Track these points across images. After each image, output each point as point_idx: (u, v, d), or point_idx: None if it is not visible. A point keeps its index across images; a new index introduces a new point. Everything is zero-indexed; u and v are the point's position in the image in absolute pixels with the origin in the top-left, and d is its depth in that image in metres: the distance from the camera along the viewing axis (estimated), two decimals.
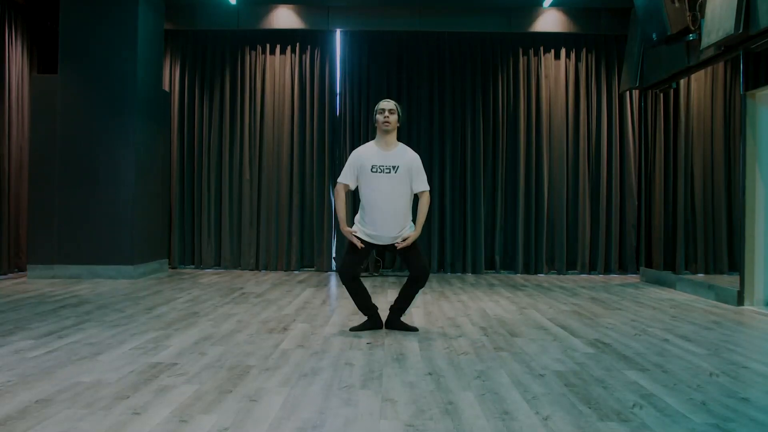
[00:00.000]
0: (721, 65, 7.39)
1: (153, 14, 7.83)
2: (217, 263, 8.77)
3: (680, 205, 7.22)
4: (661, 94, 7.58)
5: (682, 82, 7.19)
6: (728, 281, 6.52)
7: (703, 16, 5.85)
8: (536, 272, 8.63)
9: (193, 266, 8.82)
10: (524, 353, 3.74)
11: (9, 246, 7.51)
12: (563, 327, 4.63)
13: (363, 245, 4.31)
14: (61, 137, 7.32)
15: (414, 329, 4.42)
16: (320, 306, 5.54)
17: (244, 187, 8.75)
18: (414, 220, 4.40)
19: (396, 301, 4.47)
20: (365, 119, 8.70)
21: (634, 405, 2.76)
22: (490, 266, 8.77)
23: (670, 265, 7.34)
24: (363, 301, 4.40)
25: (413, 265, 4.37)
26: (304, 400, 2.77)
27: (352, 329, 4.39)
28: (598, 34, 8.73)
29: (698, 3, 5.89)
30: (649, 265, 7.85)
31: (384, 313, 4.55)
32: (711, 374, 3.30)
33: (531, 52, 8.84)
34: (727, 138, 7.73)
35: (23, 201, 7.74)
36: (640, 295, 6.56)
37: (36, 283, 6.78)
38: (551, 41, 8.81)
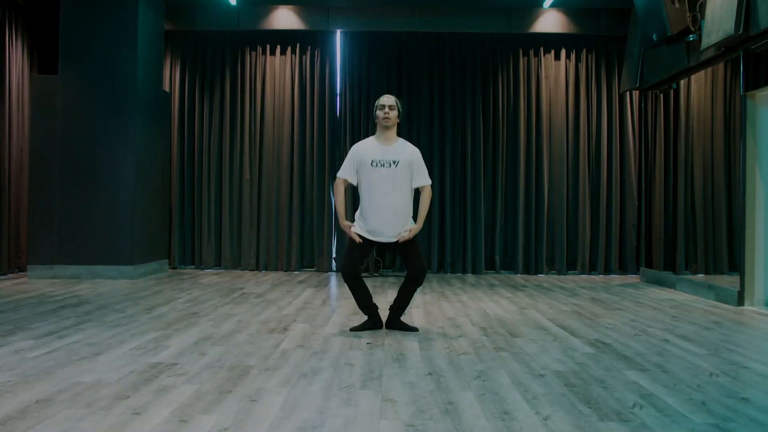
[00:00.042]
0: (721, 66, 7.40)
1: (153, 14, 7.83)
2: (218, 263, 8.77)
3: (680, 205, 7.22)
4: (661, 95, 7.58)
5: (682, 82, 7.19)
6: (728, 281, 6.52)
7: (703, 17, 5.85)
8: (536, 272, 8.63)
9: (193, 266, 8.82)
10: (524, 353, 3.74)
11: (9, 246, 7.51)
12: (563, 327, 4.63)
13: (362, 240, 4.29)
14: (61, 137, 7.32)
15: (414, 329, 4.42)
16: (320, 306, 5.54)
17: (244, 187, 8.75)
18: (415, 217, 4.37)
19: (395, 301, 4.47)
20: (365, 119, 8.70)
21: (634, 405, 2.76)
22: (490, 266, 8.77)
23: (670, 265, 7.34)
24: (364, 300, 4.40)
25: (411, 263, 4.36)
26: (304, 400, 2.77)
27: (352, 329, 4.39)
28: (598, 34, 8.74)
29: (698, 3, 5.89)
30: (649, 265, 7.85)
31: (384, 314, 4.55)
32: (711, 374, 3.30)
33: (531, 52, 8.84)
34: (727, 138, 7.73)
35: (23, 201, 7.74)
36: (640, 295, 6.56)
37: (36, 283, 6.78)
38: (551, 42, 8.81)
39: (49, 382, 2.99)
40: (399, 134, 4.51)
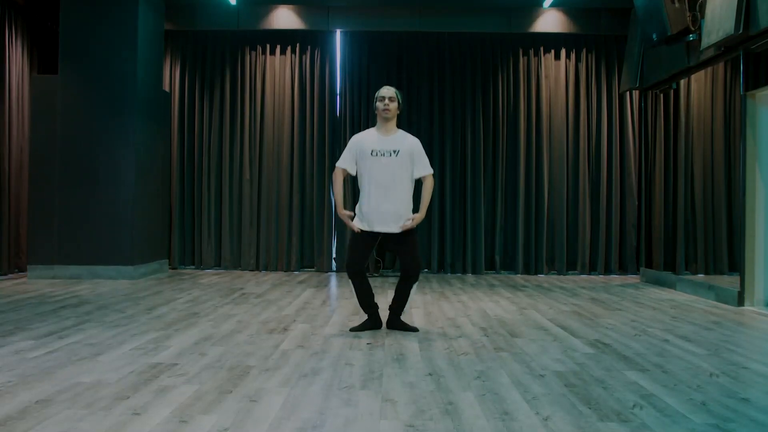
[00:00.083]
0: (721, 66, 7.40)
1: (153, 14, 7.83)
2: (217, 264, 8.77)
3: (680, 205, 7.22)
4: (661, 95, 7.58)
5: (682, 82, 7.19)
6: (728, 281, 6.52)
7: (703, 17, 5.85)
8: (536, 272, 8.63)
9: (193, 266, 8.82)
10: (524, 353, 3.74)
11: (9, 246, 7.51)
12: (563, 327, 4.63)
13: (362, 233, 4.28)
14: (61, 137, 7.32)
15: (414, 329, 4.41)
16: (320, 306, 5.54)
17: (244, 187, 8.75)
18: (416, 209, 4.34)
19: (393, 300, 4.46)
20: (365, 119, 8.70)
21: (634, 405, 2.76)
22: (490, 266, 8.77)
23: (670, 266, 7.34)
24: (366, 299, 4.39)
25: (405, 259, 4.35)
26: (304, 401, 2.77)
27: (352, 329, 4.39)
28: (598, 34, 8.74)
29: (698, 3, 5.89)
30: (649, 265, 7.85)
31: (384, 314, 4.55)
32: (711, 374, 3.30)
33: (531, 52, 8.84)
34: (727, 138, 7.73)
35: (23, 201, 7.74)
36: (640, 295, 6.56)
37: (36, 284, 6.78)
38: (551, 41, 8.81)
39: (49, 382, 2.99)
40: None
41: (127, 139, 7.33)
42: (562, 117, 8.79)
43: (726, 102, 7.70)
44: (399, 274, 4.57)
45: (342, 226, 8.69)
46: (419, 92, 8.79)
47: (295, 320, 4.79)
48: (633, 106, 8.74)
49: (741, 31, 5.21)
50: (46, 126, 7.36)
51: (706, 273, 7.53)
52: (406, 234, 4.30)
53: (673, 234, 7.32)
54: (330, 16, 8.69)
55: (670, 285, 7.08)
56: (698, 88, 7.50)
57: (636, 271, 8.45)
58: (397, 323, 4.44)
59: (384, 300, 5.90)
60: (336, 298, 6.13)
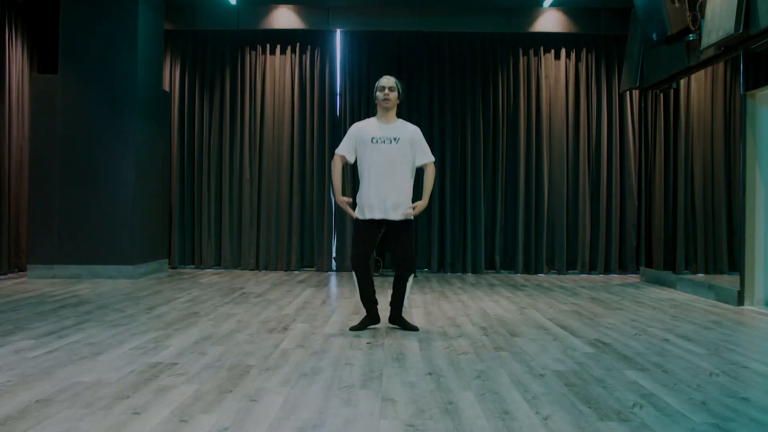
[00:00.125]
0: (721, 65, 7.39)
1: (153, 14, 7.83)
2: (217, 263, 8.77)
3: (680, 205, 7.22)
4: (661, 94, 7.58)
5: (682, 82, 7.19)
6: (728, 281, 6.52)
7: (703, 16, 5.85)
8: (536, 272, 8.63)
9: (193, 266, 8.82)
10: (524, 353, 3.74)
11: (9, 246, 7.51)
12: (563, 327, 4.63)
13: (363, 224, 4.28)
14: (61, 137, 7.32)
15: (414, 329, 4.41)
16: (320, 306, 5.54)
17: (244, 187, 8.76)
18: (412, 206, 4.33)
19: (392, 296, 4.44)
20: (365, 119, 8.69)
21: (634, 405, 2.76)
22: (490, 266, 8.77)
23: (670, 265, 7.34)
24: (368, 294, 4.37)
25: (398, 250, 4.34)
26: (304, 400, 2.77)
27: (352, 329, 4.39)
28: (598, 34, 8.74)
29: (698, 3, 5.89)
30: (649, 265, 7.85)
31: (384, 311, 4.55)
32: (711, 374, 3.30)
33: (531, 52, 8.84)
34: (727, 138, 7.73)
35: (23, 201, 7.75)
36: (640, 295, 6.56)
37: (36, 283, 6.78)
38: (551, 41, 8.81)
39: (49, 382, 2.99)
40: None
41: (127, 139, 7.33)
42: (562, 117, 8.79)
43: (726, 102, 7.70)
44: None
45: (342, 226, 8.69)
46: (419, 92, 8.79)
47: (295, 320, 4.79)
48: (633, 106, 8.75)
49: (741, 31, 5.21)
50: (46, 126, 7.36)
51: (706, 273, 7.53)
52: (405, 225, 4.28)
53: (673, 234, 7.32)
54: (330, 16, 8.69)
55: (670, 284, 7.08)
56: (698, 88, 7.50)
57: (636, 271, 8.45)
58: (398, 319, 4.43)
59: (384, 300, 5.91)
60: (336, 298, 6.13)
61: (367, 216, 4.27)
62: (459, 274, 8.58)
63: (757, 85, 5.67)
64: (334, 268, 8.71)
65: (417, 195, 4.40)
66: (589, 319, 4.97)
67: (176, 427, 2.42)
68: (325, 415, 2.58)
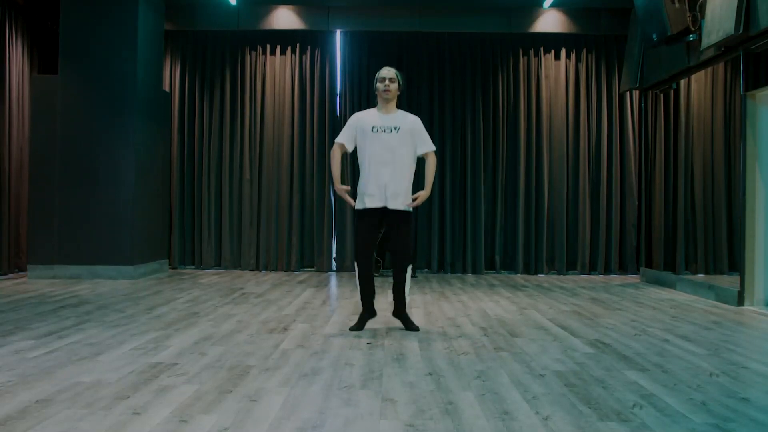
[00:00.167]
0: (721, 66, 7.39)
1: (153, 14, 7.83)
2: (218, 263, 8.77)
3: (680, 205, 7.22)
4: (661, 95, 7.59)
5: (683, 82, 7.19)
6: (728, 281, 6.52)
7: (703, 17, 5.85)
8: (536, 272, 8.63)
9: (193, 266, 8.82)
10: (524, 353, 3.74)
11: (9, 246, 7.51)
12: (563, 327, 4.63)
13: (361, 209, 4.27)
14: (61, 137, 7.32)
15: (415, 328, 4.40)
16: (320, 306, 5.54)
17: (244, 187, 8.76)
18: (414, 197, 4.33)
19: (393, 291, 4.41)
20: None
21: (634, 405, 2.76)
22: (490, 266, 8.77)
23: (670, 265, 7.34)
24: (368, 287, 4.35)
25: (397, 241, 4.31)
26: (304, 400, 2.77)
27: (352, 329, 4.38)
28: (598, 34, 8.74)
29: (698, 3, 5.89)
30: (649, 265, 7.85)
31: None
32: (711, 374, 3.30)
33: (531, 52, 8.84)
34: (727, 138, 7.73)
35: (23, 201, 7.75)
36: (640, 295, 6.56)
37: (36, 283, 6.78)
38: (551, 42, 8.82)
39: (49, 382, 2.99)
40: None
41: (127, 139, 7.33)
42: (562, 117, 8.79)
43: (726, 102, 7.70)
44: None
45: (342, 226, 8.69)
46: (419, 92, 8.79)
47: (295, 320, 4.79)
48: (633, 106, 8.75)
49: (741, 31, 5.21)
50: (46, 126, 7.36)
51: (706, 273, 7.53)
52: (404, 216, 4.27)
53: (673, 234, 7.32)
54: (330, 16, 8.70)
55: (670, 285, 7.08)
56: (698, 88, 7.50)
57: (636, 271, 8.45)
58: (401, 314, 4.41)
59: (384, 300, 5.91)
60: (336, 298, 6.13)
61: (368, 205, 4.26)
62: (459, 274, 8.58)
63: (757, 85, 5.67)
64: (334, 269, 8.71)
65: (417, 187, 4.39)
66: (589, 320, 4.97)
67: (176, 427, 2.42)
68: (325, 415, 2.58)
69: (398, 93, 4.37)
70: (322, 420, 2.52)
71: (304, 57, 8.87)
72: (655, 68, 7.25)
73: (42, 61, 8.30)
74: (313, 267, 8.77)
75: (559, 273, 8.65)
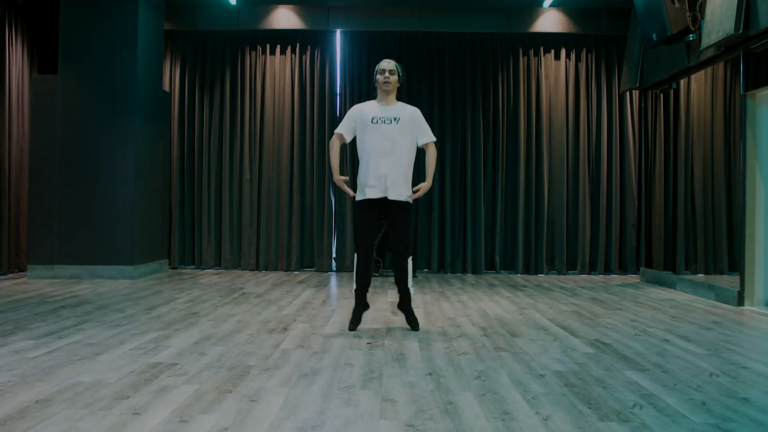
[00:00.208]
0: (721, 65, 7.40)
1: (153, 14, 7.83)
2: (218, 263, 8.77)
3: (680, 205, 7.22)
4: (661, 95, 7.59)
5: (682, 82, 7.19)
6: (728, 281, 6.52)
7: (703, 17, 5.85)
8: (536, 272, 8.63)
9: (193, 266, 8.82)
10: (524, 353, 3.74)
11: (9, 246, 7.51)
12: (563, 327, 4.63)
13: (359, 199, 4.28)
14: (61, 137, 7.32)
15: (416, 327, 4.39)
16: (320, 306, 5.54)
17: (244, 187, 8.76)
18: (416, 189, 4.33)
19: (396, 282, 4.41)
20: None
21: (634, 405, 2.76)
22: (490, 266, 8.77)
23: (670, 266, 7.34)
24: (364, 277, 4.34)
25: (395, 236, 4.31)
26: (304, 400, 2.77)
27: (350, 329, 4.37)
28: (598, 34, 8.74)
29: (698, 3, 5.89)
30: (649, 265, 7.85)
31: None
32: (711, 374, 3.30)
33: (531, 52, 8.84)
34: (727, 138, 7.73)
35: (23, 201, 7.75)
36: (640, 295, 6.56)
37: (36, 283, 6.78)
38: (551, 41, 8.82)
39: (49, 382, 2.99)
40: None
41: (127, 139, 7.33)
42: (562, 117, 8.79)
43: (726, 102, 7.70)
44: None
45: (342, 226, 8.69)
46: (419, 92, 8.79)
47: (295, 320, 4.79)
48: (633, 106, 8.75)
49: (741, 31, 5.21)
50: (46, 126, 7.36)
51: (706, 273, 7.53)
52: (403, 207, 4.26)
53: (673, 234, 7.32)
54: (330, 16, 8.70)
55: (670, 285, 7.09)
56: (698, 88, 7.50)
57: (636, 271, 8.45)
58: (405, 307, 4.40)
59: (384, 299, 5.91)
60: (336, 298, 6.13)
61: (368, 196, 4.26)
62: (459, 274, 8.58)
63: (757, 85, 5.68)
64: (334, 269, 8.71)
65: (417, 178, 4.39)
66: (589, 320, 4.97)
67: (176, 427, 2.42)
68: (325, 415, 2.58)
69: (398, 85, 4.37)
70: (322, 420, 2.52)
71: (304, 57, 8.87)
72: (655, 68, 7.25)
73: (42, 61, 8.30)
74: (313, 267, 8.77)
75: (559, 273, 8.65)
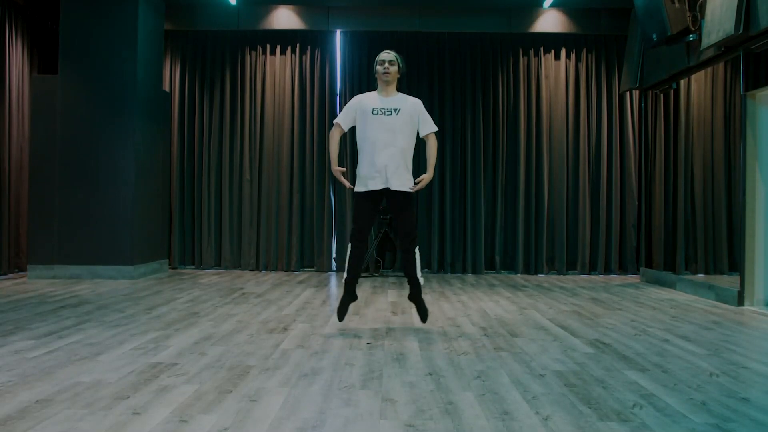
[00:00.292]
0: (721, 66, 7.40)
1: (153, 14, 7.83)
2: (217, 263, 8.77)
3: (680, 205, 7.22)
4: (661, 95, 7.59)
5: (682, 82, 7.19)
6: (728, 281, 6.52)
7: (703, 17, 5.85)
8: (536, 272, 8.63)
9: (193, 266, 8.82)
10: (524, 353, 3.74)
11: (9, 246, 7.51)
12: (563, 327, 4.63)
13: (362, 198, 4.28)
14: (61, 137, 7.32)
15: (424, 316, 4.37)
16: (320, 306, 5.54)
17: (244, 187, 8.76)
18: (418, 180, 4.33)
19: (405, 273, 4.42)
20: None
21: (634, 405, 2.76)
22: (490, 266, 8.77)
23: (670, 266, 7.34)
24: (356, 268, 4.34)
25: (401, 228, 4.32)
26: (304, 400, 2.77)
27: (339, 319, 4.35)
28: (598, 34, 8.74)
29: (698, 3, 5.89)
30: (649, 265, 7.85)
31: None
32: (711, 374, 3.30)
33: (531, 52, 8.84)
34: (727, 138, 7.74)
35: (23, 201, 7.75)
36: (640, 295, 6.56)
37: (36, 283, 6.78)
38: (551, 42, 8.82)
39: (49, 382, 2.99)
40: None
41: (127, 139, 7.33)
42: (562, 117, 8.79)
43: (726, 102, 7.70)
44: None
45: (342, 226, 8.69)
46: (419, 92, 8.77)
47: (295, 320, 4.79)
48: (633, 106, 8.75)
49: (741, 31, 5.21)
50: (46, 126, 7.36)
51: (706, 273, 7.53)
52: (405, 197, 4.26)
53: (673, 234, 7.32)
54: (330, 16, 8.70)
55: (670, 285, 7.09)
56: (698, 88, 7.50)
57: (636, 271, 8.45)
58: (415, 297, 4.40)
59: (384, 300, 5.91)
60: (336, 298, 6.13)
61: (369, 187, 4.25)
62: (459, 274, 8.58)
63: (757, 85, 5.68)
64: (334, 269, 8.71)
65: (417, 168, 4.38)
66: (589, 320, 4.97)
67: (176, 427, 2.42)
68: (325, 415, 2.58)
69: (398, 76, 4.37)
70: (322, 420, 2.52)
71: (304, 57, 8.87)
72: (655, 68, 7.25)
73: (42, 61, 8.30)
74: (313, 267, 8.77)
75: (559, 273, 8.65)
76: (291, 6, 8.65)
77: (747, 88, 5.75)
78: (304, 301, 5.80)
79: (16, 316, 4.76)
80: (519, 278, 8.14)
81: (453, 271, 8.68)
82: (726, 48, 5.78)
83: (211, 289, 6.56)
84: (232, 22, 8.67)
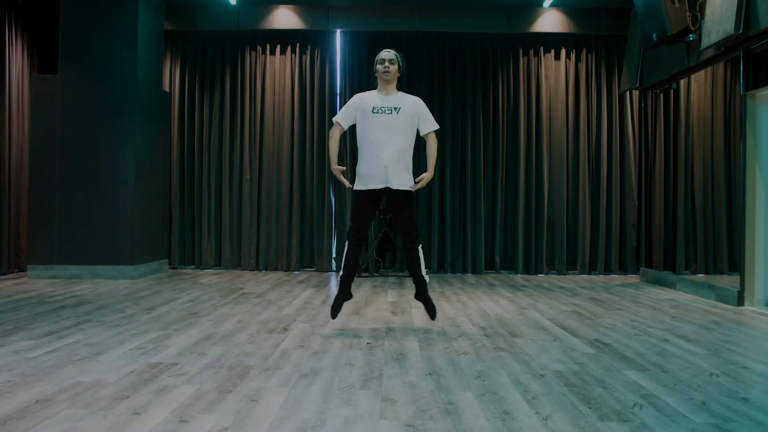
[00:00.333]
0: (721, 65, 7.39)
1: (153, 14, 7.83)
2: (217, 263, 8.77)
3: (680, 205, 7.22)
4: (661, 95, 7.59)
5: (682, 82, 7.19)
6: (728, 281, 6.52)
7: (703, 17, 5.85)
8: (536, 272, 8.63)
9: (193, 266, 8.82)
10: (524, 353, 3.74)
11: (9, 246, 7.51)
12: (563, 327, 4.63)
13: (356, 190, 4.28)
14: (61, 137, 7.32)
15: (432, 313, 4.36)
16: (320, 306, 5.54)
17: (244, 187, 8.76)
18: (415, 178, 4.33)
19: (410, 272, 4.41)
20: None
21: (634, 405, 2.76)
22: (490, 266, 8.77)
23: (670, 266, 7.34)
24: (351, 266, 4.33)
25: (402, 227, 4.32)
26: (304, 400, 2.77)
27: (333, 317, 4.35)
28: (598, 34, 8.74)
29: (698, 3, 5.89)
30: (649, 265, 7.85)
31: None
32: (711, 374, 3.30)
33: (531, 52, 8.84)
34: (727, 138, 7.74)
35: (23, 201, 7.75)
36: (640, 295, 6.56)
37: (36, 283, 6.78)
38: (551, 41, 8.82)
39: (49, 382, 2.99)
40: None
41: (127, 139, 7.33)
42: (562, 117, 8.79)
43: (726, 102, 7.70)
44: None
45: (342, 226, 8.69)
46: (419, 92, 8.76)
47: (295, 320, 4.79)
48: (633, 106, 8.75)
49: (741, 31, 5.21)
50: (46, 126, 7.36)
51: (706, 273, 7.53)
52: (405, 196, 4.26)
53: (673, 234, 7.32)
54: (330, 16, 8.70)
55: (670, 285, 7.09)
56: (698, 88, 7.50)
57: (636, 271, 8.45)
58: (421, 296, 4.39)
59: (384, 300, 5.91)
60: None
61: (369, 186, 4.24)
62: (459, 274, 8.58)
63: (757, 85, 5.67)
64: (334, 269, 8.71)
65: (417, 167, 4.38)
66: (589, 320, 4.97)
67: (176, 427, 2.42)
68: (325, 415, 2.58)
69: (398, 75, 4.37)
70: (322, 420, 2.52)
71: (304, 57, 8.87)
72: (655, 68, 7.25)
73: (42, 61, 8.30)
74: (313, 267, 8.77)
75: (559, 273, 8.65)
76: (291, 6, 8.65)
77: (747, 88, 5.75)
78: (304, 301, 5.80)
79: (16, 316, 4.76)
80: (519, 278, 8.14)
81: (453, 271, 8.68)
82: (726, 48, 5.78)
83: (211, 289, 6.56)
84: (232, 22, 8.67)
